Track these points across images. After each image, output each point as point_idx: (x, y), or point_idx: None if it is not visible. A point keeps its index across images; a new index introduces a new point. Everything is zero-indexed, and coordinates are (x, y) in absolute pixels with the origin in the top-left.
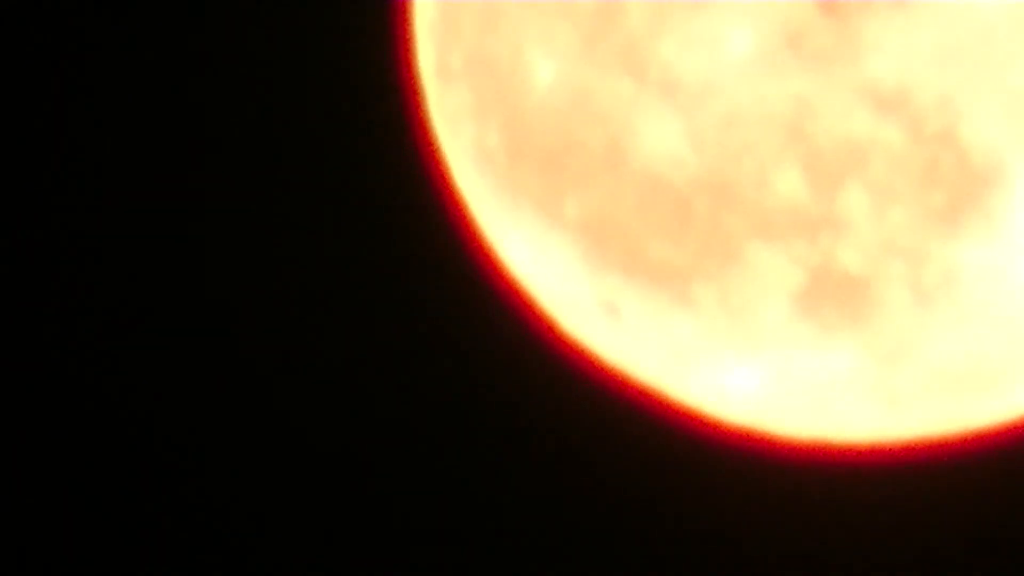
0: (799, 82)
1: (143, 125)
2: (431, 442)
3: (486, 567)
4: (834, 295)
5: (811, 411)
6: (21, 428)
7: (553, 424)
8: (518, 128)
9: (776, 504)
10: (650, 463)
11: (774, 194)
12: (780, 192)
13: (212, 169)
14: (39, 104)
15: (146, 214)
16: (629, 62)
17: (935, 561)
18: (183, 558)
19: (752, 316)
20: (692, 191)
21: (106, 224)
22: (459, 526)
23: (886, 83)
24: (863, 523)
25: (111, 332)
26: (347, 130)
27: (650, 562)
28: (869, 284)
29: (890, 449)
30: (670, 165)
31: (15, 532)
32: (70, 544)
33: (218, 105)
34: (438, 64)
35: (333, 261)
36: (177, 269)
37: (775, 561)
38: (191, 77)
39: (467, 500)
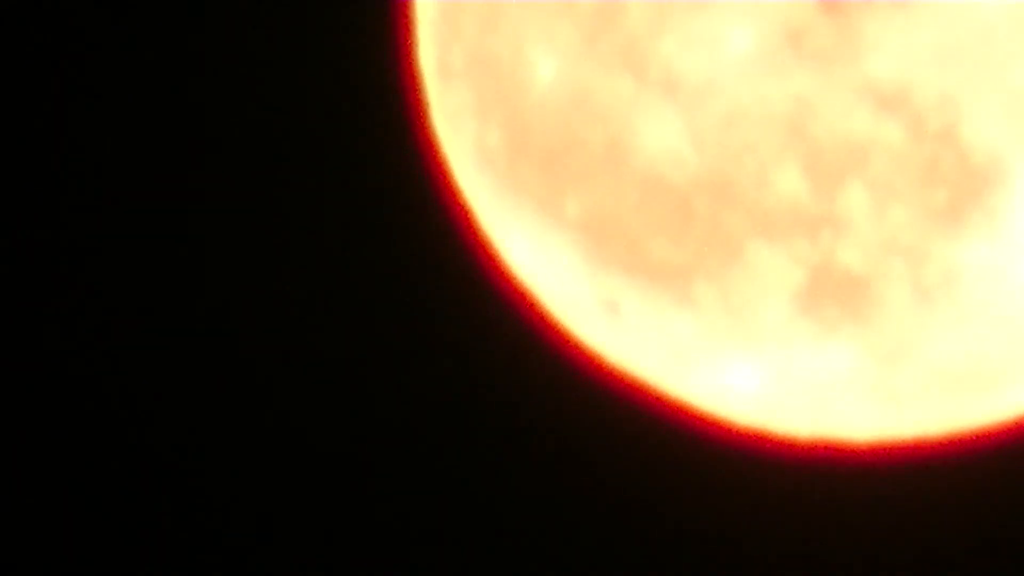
0: (800, 81)
1: (143, 125)
2: (431, 442)
3: (486, 567)
4: (835, 294)
5: (811, 410)
6: (21, 428)
7: (553, 423)
8: (519, 127)
9: (776, 503)
10: (650, 462)
11: (775, 193)
12: (781, 191)
13: (212, 169)
14: (39, 104)
15: (146, 214)
16: (630, 61)
17: (935, 561)
18: (183, 558)
19: (752, 315)
20: (693, 190)
21: (106, 224)
22: (459, 526)
23: (887, 82)
24: (863, 523)
25: (111, 332)
26: (348, 129)
27: (650, 562)
28: (869, 283)
29: (890, 448)
30: (671, 164)
31: (15, 532)
32: (70, 544)
33: (218, 105)
34: (439, 63)
35: (334, 260)
36: (177, 269)
37: (775, 561)
38: (191, 77)
39: (467, 500)
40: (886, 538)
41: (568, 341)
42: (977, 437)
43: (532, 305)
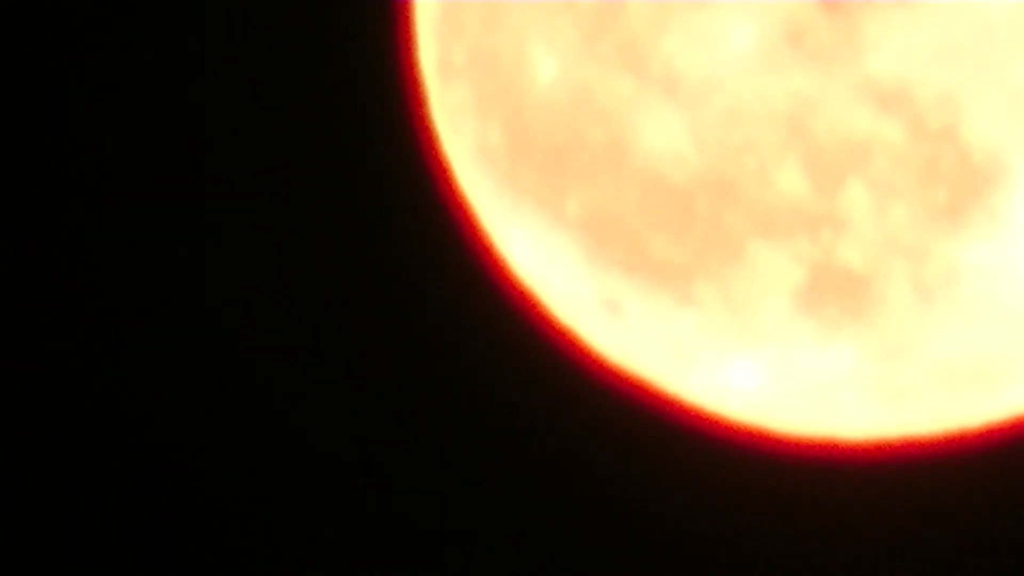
0: (800, 79)
1: (143, 125)
2: (431, 441)
3: (486, 567)
4: (835, 292)
5: (812, 408)
6: (21, 428)
7: (554, 423)
8: (519, 126)
9: (777, 501)
10: (651, 460)
11: (775, 191)
12: (781, 189)
13: (213, 169)
14: (39, 104)
15: (146, 214)
16: (630, 59)
17: (935, 560)
18: (183, 558)
19: (753, 313)
20: (693, 188)
21: (106, 224)
22: (459, 526)
23: (887, 80)
24: (863, 521)
25: (111, 332)
26: (349, 128)
27: (650, 561)
28: (870, 281)
29: (891, 447)
30: (671, 162)
31: (15, 532)
32: (70, 544)
33: (218, 105)
34: (440, 61)
35: (334, 259)
36: (177, 269)
37: (775, 560)
38: (191, 77)
39: (467, 500)
40: (886, 537)
41: (568, 340)
42: (978, 436)
43: (533, 304)
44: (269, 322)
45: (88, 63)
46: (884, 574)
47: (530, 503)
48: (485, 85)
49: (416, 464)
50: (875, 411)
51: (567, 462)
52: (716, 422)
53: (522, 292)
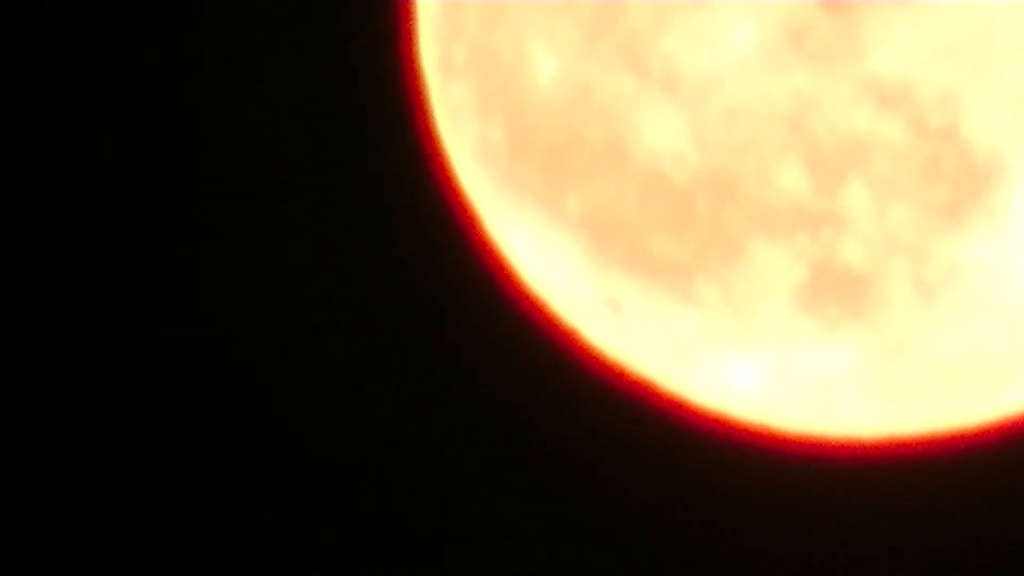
0: (801, 78)
1: (143, 125)
2: (432, 441)
3: (486, 567)
4: (836, 291)
5: (813, 407)
6: (21, 428)
7: (555, 421)
8: (520, 124)
9: (777, 500)
10: (652, 459)
11: (776, 190)
12: (782, 188)
13: (213, 168)
14: (39, 104)
15: (146, 214)
16: (631, 58)
17: (935, 560)
18: (183, 558)
19: (754, 312)
20: (694, 187)
21: (106, 224)
22: (459, 526)
23: (888, 79)
24: (864, 520)
25: (111, 332)
26: (349, 126)
27: (651, 560)
28: (871, 280)
29: (892, 445)
30: (672, 161)
31: (15, 532)
32: (70, 544)
33: (219, 104)
34: (440, 60)
35: (335, 258)
36: (177, 269)
37: (775, 559)
38: (191, 77)
39: (467, 500)
40: (887, 536)
41: (569, 338)
42: (979, 434)
43: (533, 303)
44: (269, 322)
45: (88, 63)
46: (884, 574)
47: (530, 503)
48: (486, 84)
49: (416, 464)
50: (875, 409)
51: (568, 461)
52: (716, 421)
53: (522, 291)
